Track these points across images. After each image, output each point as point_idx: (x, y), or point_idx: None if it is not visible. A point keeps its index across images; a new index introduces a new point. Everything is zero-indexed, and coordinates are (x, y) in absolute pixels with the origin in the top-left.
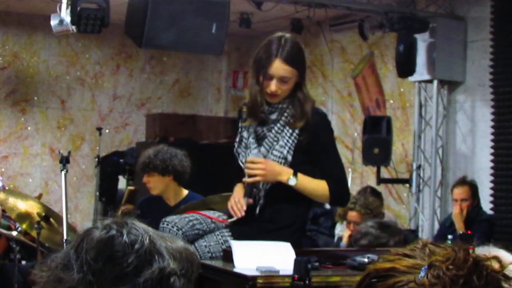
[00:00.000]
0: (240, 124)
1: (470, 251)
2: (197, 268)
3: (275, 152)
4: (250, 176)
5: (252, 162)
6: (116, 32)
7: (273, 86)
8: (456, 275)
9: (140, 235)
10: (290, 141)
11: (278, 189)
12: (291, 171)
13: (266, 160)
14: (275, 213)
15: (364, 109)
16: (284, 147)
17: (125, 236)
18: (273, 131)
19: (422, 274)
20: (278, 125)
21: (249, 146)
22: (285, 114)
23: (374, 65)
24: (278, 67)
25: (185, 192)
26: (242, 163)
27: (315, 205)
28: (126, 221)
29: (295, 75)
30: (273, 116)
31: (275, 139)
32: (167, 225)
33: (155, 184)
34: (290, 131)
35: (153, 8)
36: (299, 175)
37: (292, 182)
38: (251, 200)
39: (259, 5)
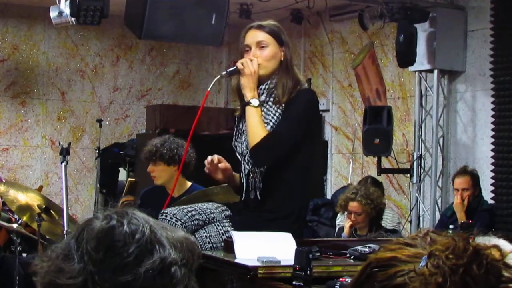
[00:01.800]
0: (236, 117)
1: (470, 240)
2: (198, 258)
3: None
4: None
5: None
6: (116, 24)
7: (252, 52)
8: (456, 264)
9: (141, 225)
10: (275, 117)
11: (275, 175)
12: (257, 98)
13: (257, 74)
14: (273, 201)
15: (365, 100)
16: (268, 124)
17: (125, 226)
18: (263, 113)
19: (422, 263)
20: (267, 105)
21: (243, 134)
22: (273, 95)
23: (375, 55)
24: (252, 34)
25: (188, 183)
26: (239, 154)
27: (316, 196)
28: (127, 211)
29: (273, 42)
30: (262, 98)
31: (265, 120)
32: (166, 216)
33: (160, 173)
34: (276, 108)
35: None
36: (259, 109)
37: (255, 102)
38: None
39: None
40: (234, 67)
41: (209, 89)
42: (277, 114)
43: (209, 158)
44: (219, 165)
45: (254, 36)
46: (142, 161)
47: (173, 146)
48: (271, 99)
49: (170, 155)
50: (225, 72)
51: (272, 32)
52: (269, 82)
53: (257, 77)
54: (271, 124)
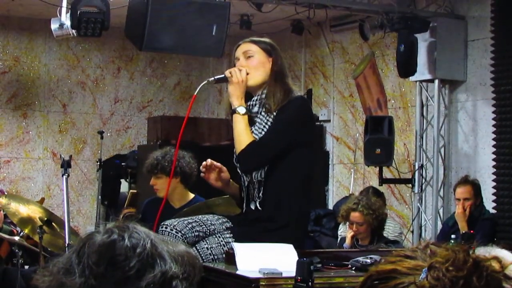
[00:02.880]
0: None
1: (471, 251)
2: (199, 271)
3: None
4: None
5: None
6: (116, 35)
7: (239, 62)
8: (456, 276)
9: (142, 239)
10: (267, 126)
11: (274, 184)
12: (245, 106)
13: (244, 83)
14: (273, 210)
15: (366, 110)
16: (261, 133)
17: (126, 240)
18: (257, 124)
19: (422, 275)
20: (260, 116)
21: None
22: (266, 105)
23: (375, 65)
24: (242, 47)
25: (191, 195)
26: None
27: (318, 206)
28: (128, 225)
29: (259, 52)
30: (255, 109)
31: (259, 130)
32: (166, 228)
33: (162, 186)
34: (267, 117)
35: (153, 11)
36: (245, 117)
37: (241, 110)
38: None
39: (259, 6)
40: (222, 75)
41: (195, 93)
42: (269, 123)
43: (204, 162)
44: (215, 163)
45: (242, 47)
46: (144, 174)
47: (171, 158)
48: (263, 109)
49: (168, 169)
50: (212, 78)
51: (259, 44)
52: (260, 93)
53: (245, 87)
54: (261, 132)
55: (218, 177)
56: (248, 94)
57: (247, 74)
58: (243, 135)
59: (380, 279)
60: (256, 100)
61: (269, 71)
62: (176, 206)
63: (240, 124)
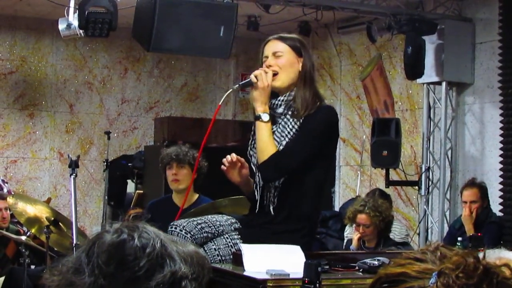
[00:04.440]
0: (252, 125)
1: (480, 254)
2: (208, 272)
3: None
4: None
5: (265, 72)
6: (124, 36)
7: (267, 61)
8: (466, 284)
9: (151, 239)
10: (292, 132)
11: (290, 190)
12: (268, 112)
13: (270, 87)
14: (285, 214)
15: (373, 112)
16: (285, 138)
17: (136, 240)
18: (280, 125)
19: (432, 280)
20: (285, 119)
21: None
22: (291, 108)
23: (383, 67)
24: (270, 44)
25: (196, 195)
26: (254, 165)
27: (324, 208)
28: (137, 225)
29: (289, 51)
30: (280, 110)
31: (283, 133)
32: (175, 228)
33: (185, 177)
34: (294, 122)
35: (160, 12)
36: (269, 124)
37: (265, 118)
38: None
39: (267, 8)
40: (248, 80)
41: (220, 103)
42: (294, 129)
43: (229, 157)
44: (240, 159)
45: (271, 46)
46: (164, 162)
47: (196, 155)
48: (290, 112)
49: (193, 162)
50: (237, 85)
51: (289, 43)
52: (287, 94)
53: (270, 91)
54: (288, 138)
55: (239, 173)
56: (274, 93)
57: (276, 74)
58: (266, 144)
59: (389, 282)
60: (282, 100)
61: (297, 72)
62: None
63: (263, 132)
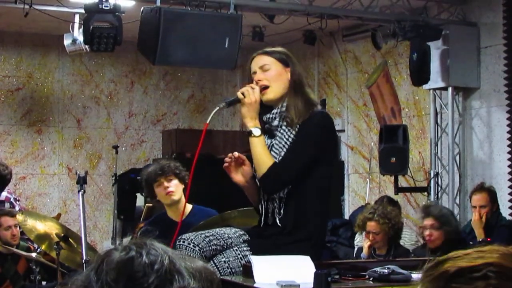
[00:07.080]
0: None
1: None
2: (218, 287)
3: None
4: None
5: (252, 88)
6: (129, 49)
7: (256, 76)
8: None
9: (160, 255)
10: (289, 141)
11: (294, 200)
12: (259, 127)
13: (258, 102)
14: (292, 225)
15: (380, 118)
16: (283, 149)
17: (144, 257)
18: (278, 138)
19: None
20: (281, 130)
21: None
22: (286, 119)
23: (388, 74)
24: (256, 60)
25: (189, 206)
26: (257, 178)
27: (334, 217)
28: (145, 242)
29: (276, 63)
30: (275, 123)
31: (281, 145)
32: (184, 242)
33: (176, 187)
34: (289, 131)
35: (165, 25)
36: (262, 138)
37: (257, 132)
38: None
39: (271, 18)
40: (234, 97)
41: (207, 121)
42: (291, 138)
43: (230, 154)
44: (241, 156)
45: (258, 61)
46: (149, 182)
47: (178, 165)
48: (285, 123)
49: (177, 171)
50: (223, 103)
51: (275, 56)
52: (280, 106)
53: (258, 106)
54: (286, 148)
55: (241, 171)
56: (268, 107)
57: (267, 87)
58: (262, 157)
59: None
60: (276, 113)
61: (287, 82)
62: (176, 219)
63: (257, 147)
